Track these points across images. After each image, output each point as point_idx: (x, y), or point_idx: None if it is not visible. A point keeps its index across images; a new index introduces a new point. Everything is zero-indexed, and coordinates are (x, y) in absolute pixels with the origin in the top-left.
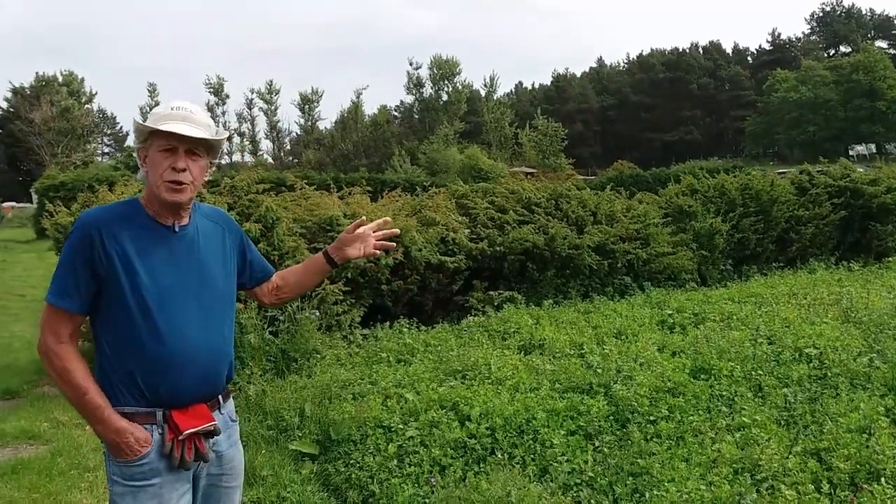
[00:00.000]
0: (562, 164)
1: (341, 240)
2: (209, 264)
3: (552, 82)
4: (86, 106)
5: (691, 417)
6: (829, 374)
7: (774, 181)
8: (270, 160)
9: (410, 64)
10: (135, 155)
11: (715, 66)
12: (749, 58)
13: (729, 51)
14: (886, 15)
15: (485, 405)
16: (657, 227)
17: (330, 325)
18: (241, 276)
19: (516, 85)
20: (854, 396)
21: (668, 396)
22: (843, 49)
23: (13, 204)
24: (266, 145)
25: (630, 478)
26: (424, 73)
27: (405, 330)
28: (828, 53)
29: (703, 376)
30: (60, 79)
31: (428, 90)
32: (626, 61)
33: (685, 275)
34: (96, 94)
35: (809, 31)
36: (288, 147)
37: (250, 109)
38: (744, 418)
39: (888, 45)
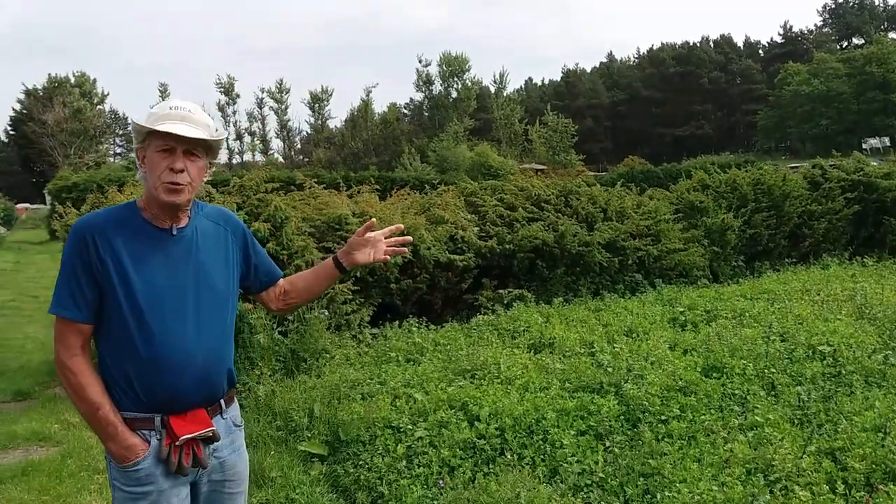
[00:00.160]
0: (572, 160)
1: (351, 244)
2: (208, 267)
3: (562, 78)
4: (98, 107)
5: (703, 417)
6: (844, 372)
7: (787, 176)
8: (281, 159)
9: (420, 61)
10: (132, 155)
11: (726, 59)
12: (760, 51)
13: (740, 44)
14: None
15: (494, 405)
16: (668, 223)
17: (339, 325)
18: (244, 279)
19: (526, 81)
20: (869, 394)
21: (679, 395)
22: (855, 41)
23: (27, 205)
24: (277, 144)
25: (641, 478)
26: (434, 70)
27: (414, 329)
28: (840, 45)
29: (715, 375)
30: (73, 80)
31: (437, 87)
32: (636, 56)
33: (697, 271)
34: (108, 94)
35: (822, 23)
36: (298, 146)
37: (261, 109)
38: (756, 417)
39: None
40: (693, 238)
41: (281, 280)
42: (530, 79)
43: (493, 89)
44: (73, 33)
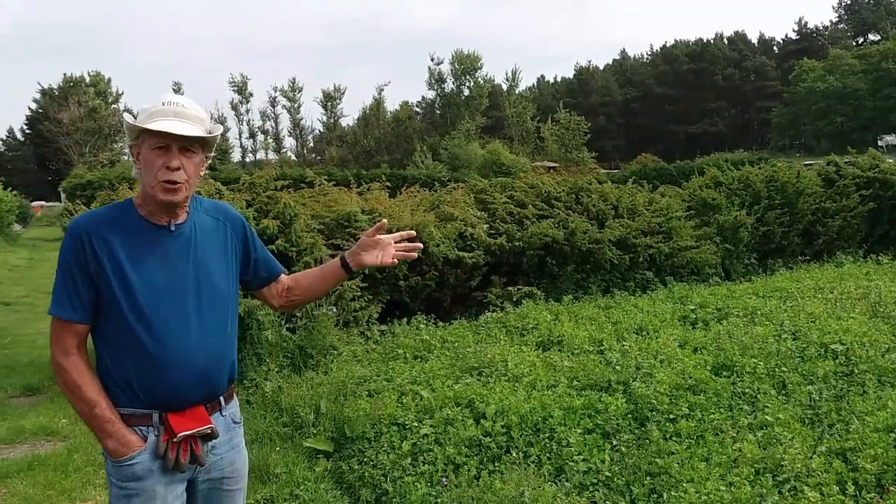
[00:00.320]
0: (584, 157)
1: (359, 244)
2: (207, 263)
3: (575, 75)
4: (112, 106)
5: (712, 416)
6: (856, 371)
7: (800, 173)
8: (294, 157)
9: (432, 59)
10: (126, 152)
11: (740, 56)
12: (775, 48)
13: (754, 41)
14: None
15: (500, 403)
16: (680, 220)
17: (347, 322)
18: (244, 274)
19: (538, 79)
20: (882, 394)
21: (688, 394)
22: (871, 37)
23: (42, 203)
24: (290, 143)
25: (648, 478)
26: (446, 68)
27: (422, 326)
28: (856, 42)
29: (724, 373)
30: (88, 79)
31: (449, 85)
32: (649, 53)
33: (709, 269)
34: (122, 93)
35: (837, 19)
36: (311, 144)
37: (274, 107)
38: (766, 416)
39: None
40: (705, 235)
41: (284, 277)
42: (543, 76)
43: (505, 87)
44: (83, 33)
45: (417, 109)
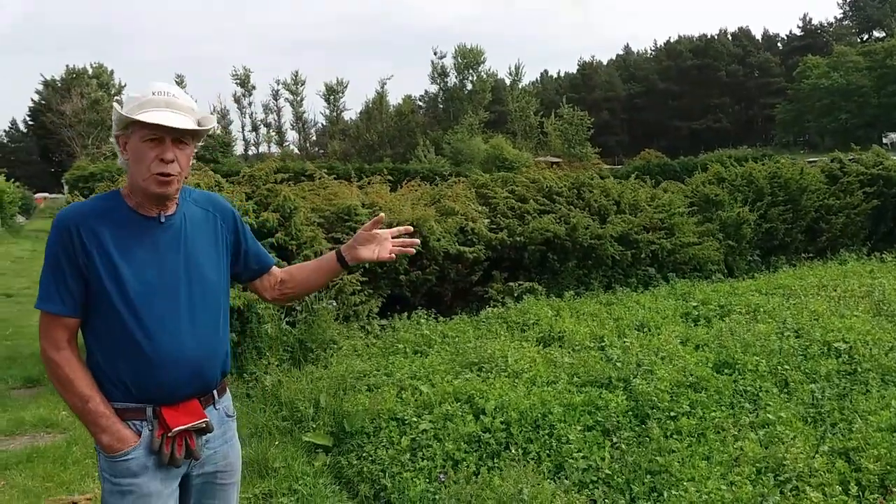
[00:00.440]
0: (588, 153)
1: (356, 238)
2: (198, 255)
3: (578, 70)
4: (115, 97)
5: (713, 413)
6: (860, 370)
7: (804, 169)
8: (297, 151)
9: (435, 53)
10: (112, 141)
11: (744, 52)
12: (779, 44)
13: (759, 37)
14: None
15: (500, 398)
16: (683, 216)
17: (347, 316)
18: (235, 266)
19: (541, 73)
20: (885, 393)
21: (689, 391)
22: (876, 34)
23: (45, 195)
24: (292, 136)
25: (648, 476)
26: (449, 62)
27: (423, 321)
28: (861, 38)
29: (726, 371)
30: (90, 71)
31: (452, 80)
32: (653, 48)
33: (711, 265)
34: (125, 85)
35: (842, 15)
36: (314, 138)
37: (276, 100)
38: (768, 415)
39: None
40: (708, 232)
41: (276, 269)
42: (546, 71)
43: (508, 81)
44: (87, 28)
45: (420, 103)
